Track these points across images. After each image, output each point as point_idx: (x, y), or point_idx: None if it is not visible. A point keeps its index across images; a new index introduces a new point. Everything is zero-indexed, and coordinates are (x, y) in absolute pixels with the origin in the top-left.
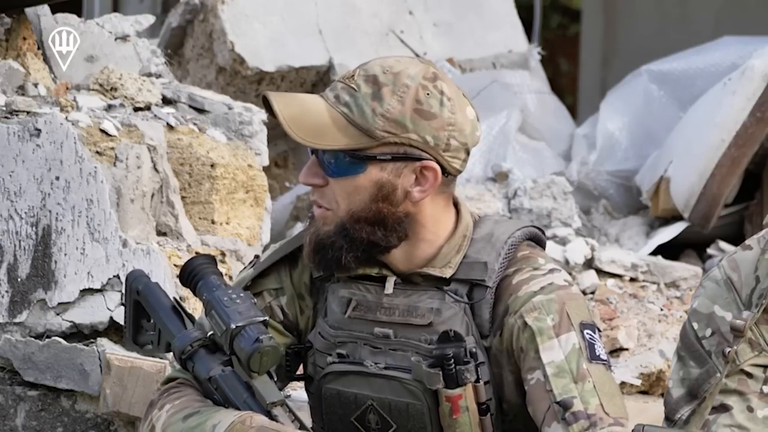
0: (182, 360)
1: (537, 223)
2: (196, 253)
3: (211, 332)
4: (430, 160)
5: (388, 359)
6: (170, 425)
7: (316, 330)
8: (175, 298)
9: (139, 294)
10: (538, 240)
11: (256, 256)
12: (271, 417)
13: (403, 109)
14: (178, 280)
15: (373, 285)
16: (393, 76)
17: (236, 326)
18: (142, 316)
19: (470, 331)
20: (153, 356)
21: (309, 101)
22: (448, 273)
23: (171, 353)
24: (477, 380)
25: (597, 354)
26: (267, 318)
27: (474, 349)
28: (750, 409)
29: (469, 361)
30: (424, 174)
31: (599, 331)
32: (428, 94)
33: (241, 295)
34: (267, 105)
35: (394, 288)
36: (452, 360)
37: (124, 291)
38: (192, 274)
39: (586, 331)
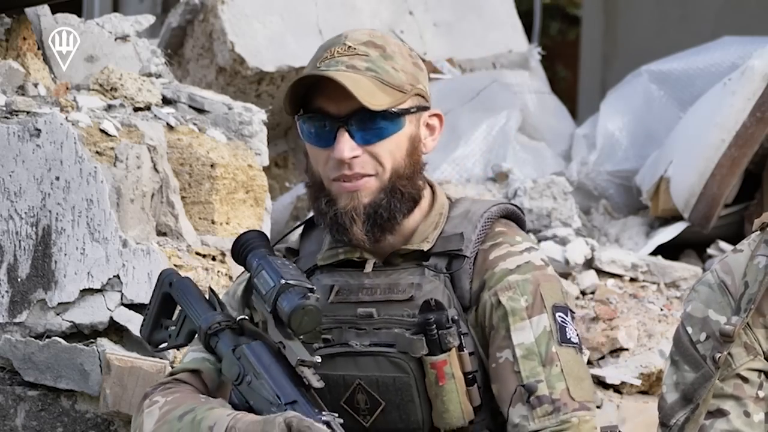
0: (207, 336)
1: (537, 223)
2: (197, 252)
3: (242, 317)
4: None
5: (372, 338)
6: (166, 422)
7: None
8: (210, 287)
9: (171, 286)
10: (516, 218)
11: None
12: (298, 374)
13: (408, 63)
14: None
15: (354, 270)
16: (381, 38)
17: (286, 282)
18: (165, 314)
19: (452, 303)
20: (158, 356)
21: (346, 74)
22: (426, 247)
23: (189, 345)
24: (461, 347)
25: (568, 337)
26: (315, 287)
27: (455, 317)
28: (747, 414)
29: (451, 326)
30: (430, 123)
31: (572, 313)
32: (409, 48)
33: (293, 264)
34: (294, 89)
35: (374, 270)
36: (434, 325)
37: (154, 288)
38: (243, 246)
39: (558, 314)
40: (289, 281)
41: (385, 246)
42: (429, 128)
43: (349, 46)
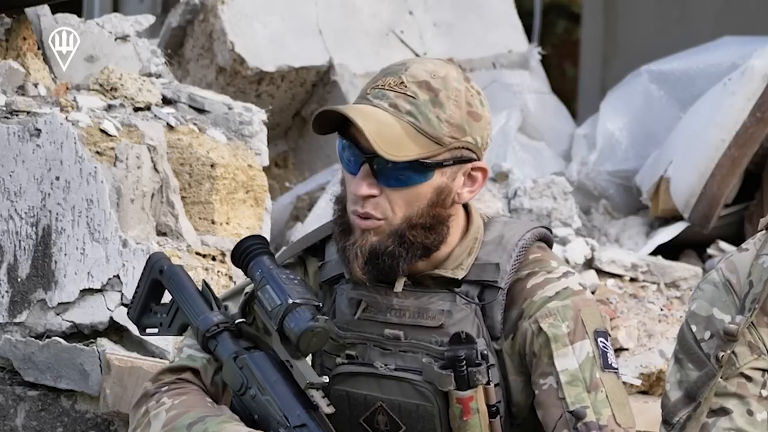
0: (205, 338)
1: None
2: (197, 252)
3: (240, 320)
4: (478, 160)
5: (398, 361)
6: (173, 429)
7: None
8: (204, 281)
9: (162, 273)
10: (546, 240)
11: None
12: (308, 398)
13: (461, 113)
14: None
15: (383, 287)
16: (442, 80)
17: (293, 302)
18: (154, 299)
19: (481, 333)
20: (157, 356)
21: (378, 113)
22: (460, 275)
23: (180, 337)
24: (488, 382)
25: (609, 362)
26: (321, 304)
27: (485, 351)
28: (750, 413)
29: (481, 363)
30: (473, 175)
31: (610, 336)
32: (472, 95)
33: (298, 278)
34: (319, 120)
35: (404, 290)
36: (464, 362)
37: (143, 270)
38: (245, 253)
39: (599, 339)
40: (296, 301)
41: (416, 268)
42: (470, 179)
43: (402, 82)
